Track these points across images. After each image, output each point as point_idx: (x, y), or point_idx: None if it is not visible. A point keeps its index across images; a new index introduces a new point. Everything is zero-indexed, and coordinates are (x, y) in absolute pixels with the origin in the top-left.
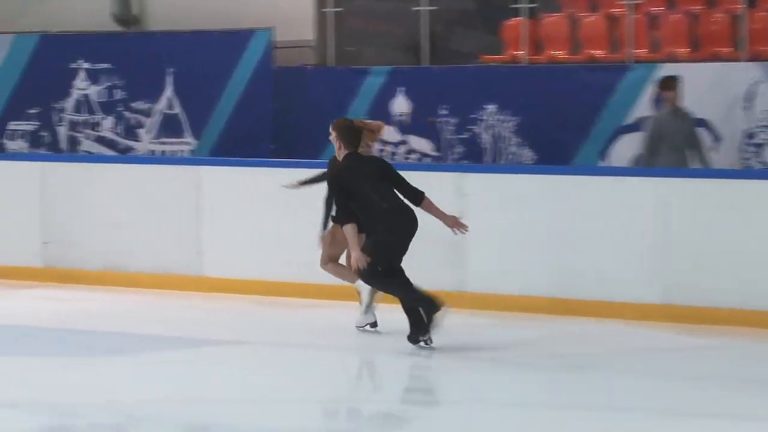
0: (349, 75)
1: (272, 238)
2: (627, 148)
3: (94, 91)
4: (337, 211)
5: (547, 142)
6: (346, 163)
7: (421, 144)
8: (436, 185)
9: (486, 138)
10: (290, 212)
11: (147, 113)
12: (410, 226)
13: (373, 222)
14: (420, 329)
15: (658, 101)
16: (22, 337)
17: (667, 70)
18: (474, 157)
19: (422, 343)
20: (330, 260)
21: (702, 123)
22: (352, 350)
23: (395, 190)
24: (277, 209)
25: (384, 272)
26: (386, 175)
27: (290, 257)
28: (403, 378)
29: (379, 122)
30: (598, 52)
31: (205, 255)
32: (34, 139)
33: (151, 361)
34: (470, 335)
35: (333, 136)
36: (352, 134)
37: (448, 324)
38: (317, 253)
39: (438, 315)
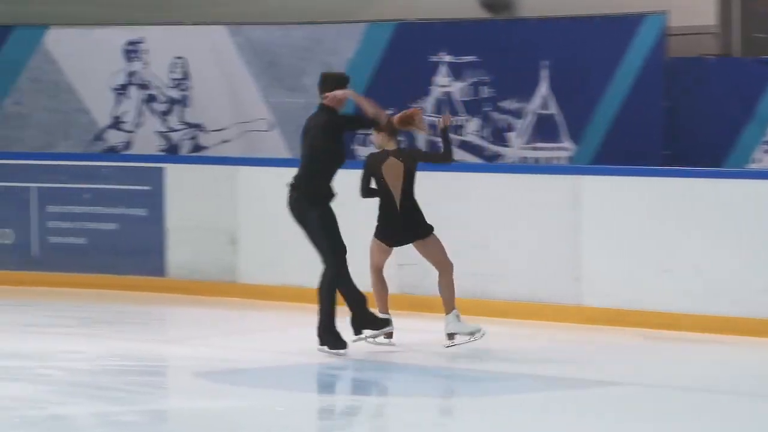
0: (757, 67)
1: (664, 261)
2: None
3: (458, 89)
4: None
5: None
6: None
7: None
8: None
9: None
10: (692, 232)
11: (518, 114)
12: (290, 203)
13: None
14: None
15: None
16: (363, 373)
17: None
18: None
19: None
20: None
21: None
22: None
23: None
24: (673, 226)
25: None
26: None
27: (684, 285)
28: None
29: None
30: None
31: (584, 281)
32: None
33: (511, 403)
34: None
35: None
36: (328, 82)
37: None
38: (720, 280)
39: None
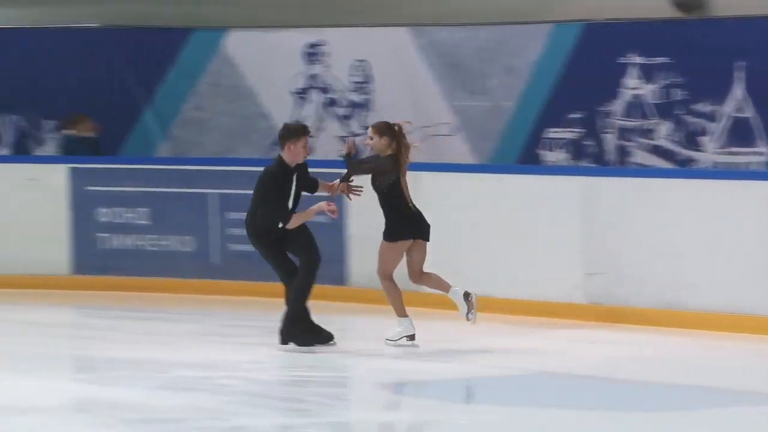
0: None
1: None
2: None
3: (649, 91)
4: None
5: None
6: None
7: None
8: None
9: None
10: None
11: (712, 117)
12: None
13: None
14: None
15: None
16: (553, 386)
17: None
18: None
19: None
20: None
21: None
22: None
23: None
24: None
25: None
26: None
27: None
28: None
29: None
30: None
31: None
32: (576, 149)
33: (706, 418)
34: None
35: None
36: (289, 133)
37: None
38: None
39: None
